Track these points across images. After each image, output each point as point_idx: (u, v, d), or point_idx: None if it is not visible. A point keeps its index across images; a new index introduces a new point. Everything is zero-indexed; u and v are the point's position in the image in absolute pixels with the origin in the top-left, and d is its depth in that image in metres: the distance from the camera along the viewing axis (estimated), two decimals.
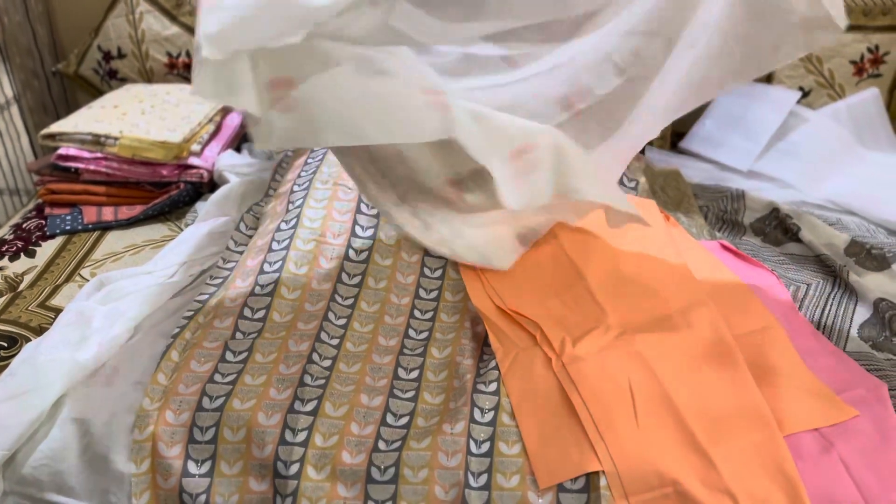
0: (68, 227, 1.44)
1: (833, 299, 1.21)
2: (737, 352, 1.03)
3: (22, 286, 1.24)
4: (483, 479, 0.90)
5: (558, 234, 1.24)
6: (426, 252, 1.23)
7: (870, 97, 1.65)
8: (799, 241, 1.37)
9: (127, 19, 1.86)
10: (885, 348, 1.10)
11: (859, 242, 1.31)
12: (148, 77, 1.92)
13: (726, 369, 1.01)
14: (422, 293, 1.18)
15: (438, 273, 1.21)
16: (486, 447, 0.92)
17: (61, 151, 1.51)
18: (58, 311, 1.13)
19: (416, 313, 1.15)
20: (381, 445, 0.93)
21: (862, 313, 1.17)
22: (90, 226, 1.44)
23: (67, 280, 1.24)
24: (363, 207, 1.29)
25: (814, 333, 1.12)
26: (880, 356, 1.08)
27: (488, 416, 0.95)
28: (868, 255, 1.29)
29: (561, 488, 0.89)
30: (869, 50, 1.69)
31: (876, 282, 1.24)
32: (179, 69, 1.89)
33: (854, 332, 1.14)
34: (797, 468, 0.90)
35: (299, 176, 1.37)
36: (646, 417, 0.95)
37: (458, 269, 1.19)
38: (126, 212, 1.47)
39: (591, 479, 0.89)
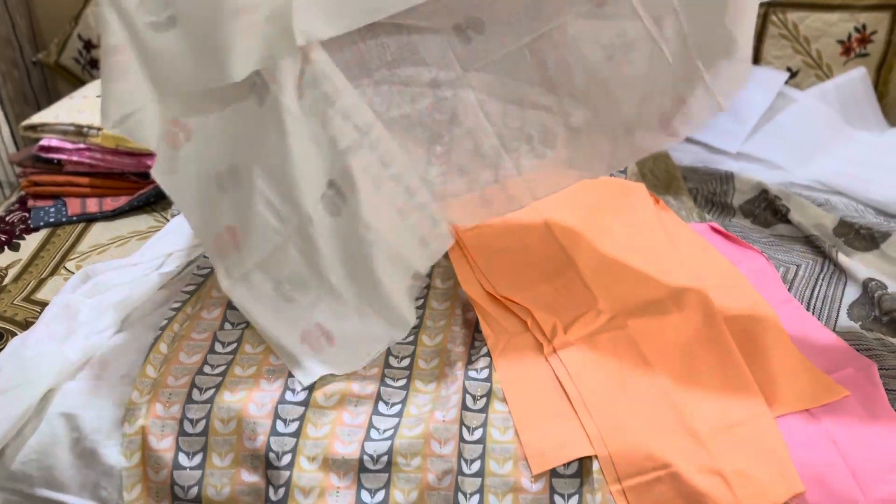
0: (52, 220, 1.42)
1: (822, 280, 1.21)
2: (727, 334, 1.03)
3: (6, 280, 1.23)
4: (476, 465, 0.90)
5: (548, 220, 1.23)
6: None
7: (857, 77, 1.65)
8: (788, 222, 1.37)
9: None
10: (874, 328, 1.11)
11: (848, 223, 1.32)
12: None
13: (717, 352, 1.01)
14: None
15: None
16: (478, 434, 0.92)
17: (43, 143, 1.48)
18: (43, 304, 1.11)
19: None
20: (374, 434, 0.93)
21: (851, 293, 1.17)
22: (74, 218, 1.42)
23: (53, 273, 1.22)
24: None
25: (803, 314, 1.12)
26: (870, 336, 1.09)
27: (480, 403, 0.95)
28: (857, 235, 1.30)
29: (554, 473, 0.89)
30: (856, 29, 1.68)
31: (865, 262, 1.24)
32: None
33: (844, 312, 1.15)
34: (788, 449, 0.90)
35: None
36: (637, 402, 0.95)
37: (448, 256, 1.18)
38: (111, 203, 1.45)
39: (584, 463, 0.89)
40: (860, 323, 1.12)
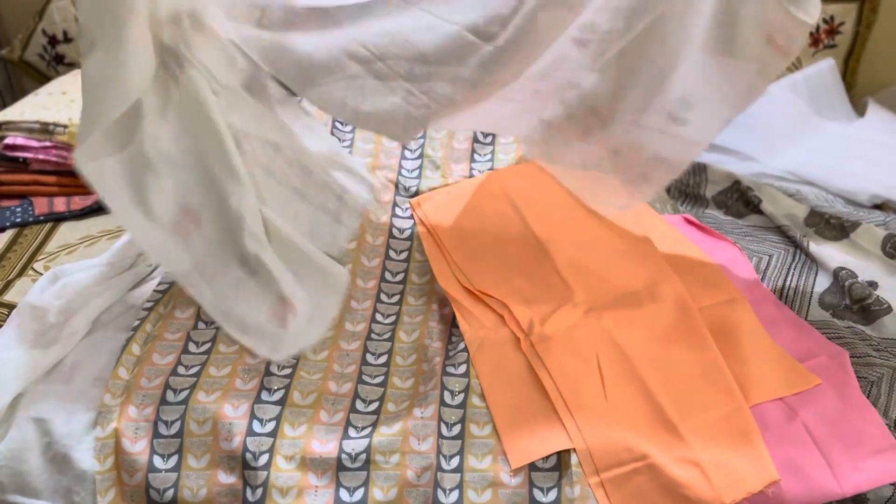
0: (19, 220, 1.39)
1: (794, 269, 1.22)
2: (702, 325, 1.04)
3: None
4: (455, 461, 0.90)
5: (524, 214, 1.23)
6: (391, 234, 1.22)
7: (826, 68, 1.67)
8: (760, 212, 1.38)
9: (72, 1, 1.80)
10: (845, 316, 1.12)
11: (818, 212, 1.33)
12: None
13: (693, 343, 1.02)
14: (388, 276, 1.17)
15: (404, 255, 1.20)
16: (457, 429, 0.92)
17: (8, 141, 1.45)
18: (11, 307, 1.09)
19: (383, 297, 1.13)
20: (352, 432, 0.92)
21: (822, 282, 1.18)
22: (42, 217, 1.39)
23: (20, 275, 1.20)
24: None
25: (776, 304, 1.14)
26: (841, 324, 1.10)
27: (458, 399, 0.95)
28: (827, 225, 1.31)
29: (533, 467, 0.89)
30: (824, 20, 1.70)
31: (835, 251, 1.26)
32: None
33: (815, 301, 1.16)
34: (763, 437, 0.91)
35: None
36: (615, 394, 0.96)
37: (424, 251, 1.18)
38: (79, 202, 1.42)
39: (563, 457, 0.90)
40: (831, 311, 1.14)
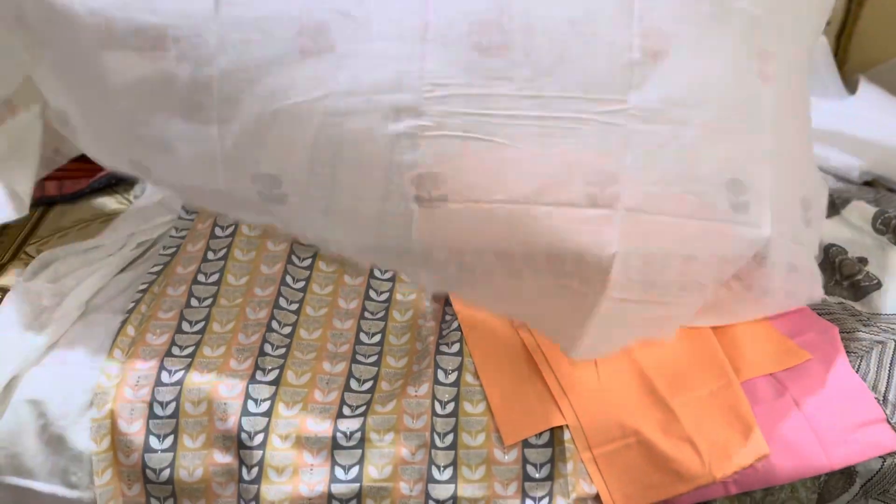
0: None
1: None
2: None
3: None
4: (449, 438, 0.91)
5: None
6: None
7: (816, 46, 1.66)
8: None
9: None
10: (835, 292, 1.13)
11: None
12: None
13: None
14: None
15: None
16: (450, 407, 0.93)
17: None
18: (4, 290, 1.09)
19: (377, 273, 1.13)
20: (346, 411, 0.93)
21: None
22: (33, 202, 1.39)
23: (12, 259, 1.19)
24: None
25: None
26: (831, 300, 1.11)
27: (452, 377, 0.95)
28: None
29: (526, 444, 0.90)
30: None
31: (826, 227, 1.26)
32: None
33: None
34: (754, 412, 0.92)
35: None
36: (606, 371, 0.96)
37: None
38: (71, 186, 1.42)
39: (556, 433, 0.91)
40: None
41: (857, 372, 0.98)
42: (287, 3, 0.81)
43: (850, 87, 1.68)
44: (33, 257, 1.16)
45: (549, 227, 0.81)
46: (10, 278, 1.13)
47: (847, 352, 1.00)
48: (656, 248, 0.84)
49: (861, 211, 1.26)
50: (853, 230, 1.26)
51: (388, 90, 0.79)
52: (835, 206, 1.30)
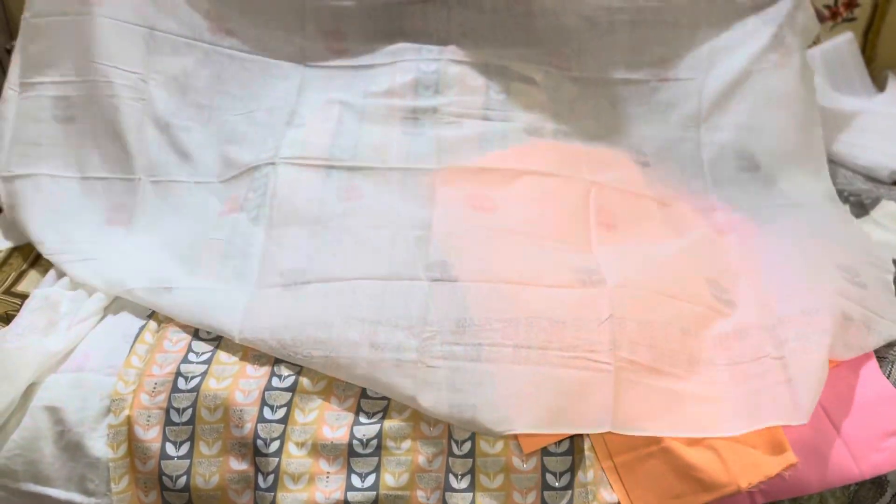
0: None
1: None
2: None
3: None
4: (467, 446, 0.89)
5: None
6: None
7: (844, 42, 1.62)
8: None
9: None
10: None
11: (838, 190, 1.31)
12: None
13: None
14: None
15: None
16: None
17: None
18: (24, 297, 1.09)
19: None
20: (362, 418, 0.91)
21: None
22: None
23: (32, 266, 1.20)
24: None
25: None
26: None
27: None
28: (847, 203, 1.28)
29: (545, 452, 0.88)
30: None
31: None
32: None
33: None
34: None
35: None
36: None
37: None
38: None
39: (576, 441, 0.89)
40: None
41: (888, 378, 0.95)
42: None
43: (879, 83, 1.65)
44: (52, 265, 1.17)
45: (546, 300, 0.95)
46: (28, 285, 1.14)
47: (877, 356, 0.97)
48: (652, 317, 0.95)
49: (891, 211, 1.23)
50: (884, 230, 1.22)
51: None
52: (863, 207, 1.27)
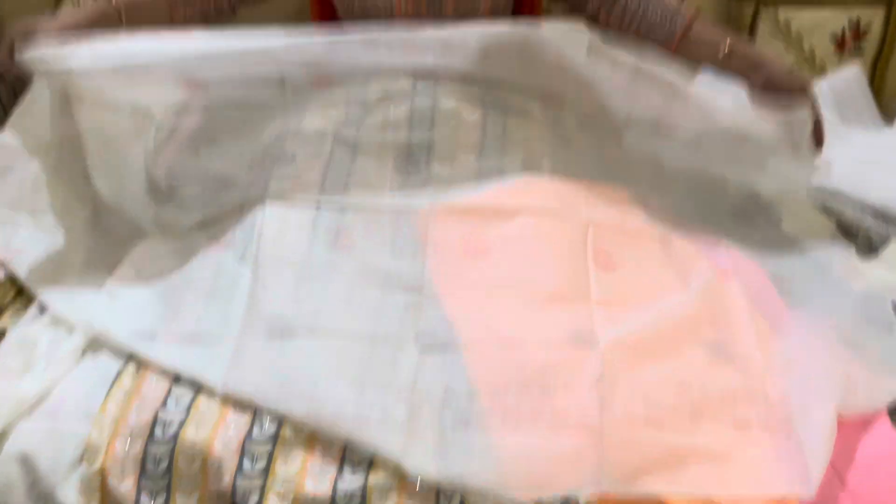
0: None
1: None
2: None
3: None
4: (456, 501, 0.85)
5: None
6: None
7: (851, 74, 1.60)
8: None
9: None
10: None
11: (845, 226, 1.28)
12: None
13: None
14: None
15: None
16: None
17: None
18: (2, 334, 1.06)
19: None
20: (347, 471, 0.88)
21: None
22: None
23: (13, 300, 1.17)
24: None
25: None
26: None
27: None
28: (854, 239, 1.26)
29: None
30: (851, 24, 1.63)
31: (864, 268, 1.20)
32: None
33: None
34: None
35: None
36: None
37: None
38: None
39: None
40: None
41: None
42: None
43: (888, 116, 1.62)
44: (34, 298, 1.13)
45: (537, 365, 0.92)
46: (7, 321, 1.11)
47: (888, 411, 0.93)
48: (646, 373, 0.93)
49: None
50: (893, 271, 1.19)
51: None
52: (872, 244, 1.24)
